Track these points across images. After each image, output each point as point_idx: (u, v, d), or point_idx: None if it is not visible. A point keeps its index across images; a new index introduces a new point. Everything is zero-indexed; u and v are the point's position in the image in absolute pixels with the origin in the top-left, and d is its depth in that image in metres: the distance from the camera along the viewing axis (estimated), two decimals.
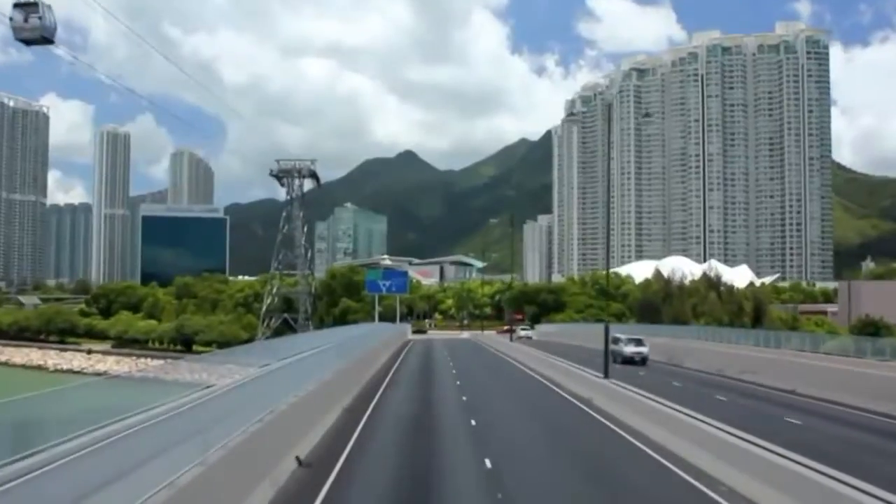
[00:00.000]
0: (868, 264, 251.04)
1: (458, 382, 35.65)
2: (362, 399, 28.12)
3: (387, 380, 36.39)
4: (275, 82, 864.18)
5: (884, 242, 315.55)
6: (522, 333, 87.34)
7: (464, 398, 28.88)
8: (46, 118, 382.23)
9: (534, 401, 29.32)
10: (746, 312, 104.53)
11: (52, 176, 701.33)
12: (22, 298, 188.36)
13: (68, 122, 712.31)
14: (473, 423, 22.45)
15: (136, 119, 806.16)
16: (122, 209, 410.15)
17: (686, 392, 31.12)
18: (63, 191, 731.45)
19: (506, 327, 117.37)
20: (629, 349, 46.25)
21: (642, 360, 45.76)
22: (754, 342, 45.33)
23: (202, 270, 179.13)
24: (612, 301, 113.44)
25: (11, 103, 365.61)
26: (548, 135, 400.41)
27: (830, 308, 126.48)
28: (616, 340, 45.29)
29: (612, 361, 32.38)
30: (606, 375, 28.76)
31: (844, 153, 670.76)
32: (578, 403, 27.26)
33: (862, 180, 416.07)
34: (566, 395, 29.92)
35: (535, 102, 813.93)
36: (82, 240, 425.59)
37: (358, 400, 27.67)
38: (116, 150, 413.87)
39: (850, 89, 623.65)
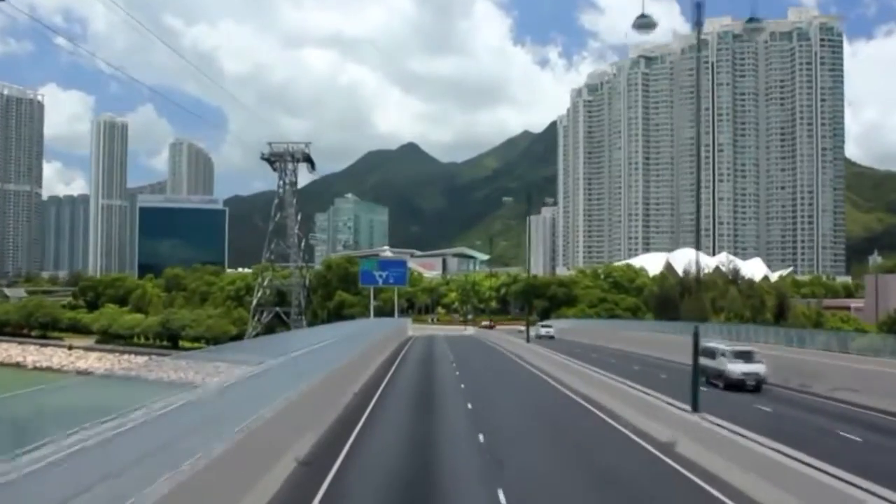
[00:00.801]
0: (875, 258, 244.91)
1: (470, 406, 27.03)
2: (332, 439, 19.78)
3: (373, 400, 28.29)
4: (276, 74, 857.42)
5: (889, 236, 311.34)
6: (543, 332, 74.37)
7: (480, 438, 20.34)
8: (41, 106, 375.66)
9: (586, 443, 20.59)
10: (768, 308, 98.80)
11: (54, 167, 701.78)
12: (7, 291, 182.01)
13: (69, 113, 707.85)
14: (502, 498, 14.21)
15: (137, 110, 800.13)
16: (120, 200, 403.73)
17: (788, 422, 23.10)
18: (64, 182, 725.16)
19: (485, 322, 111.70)
20: (736, 367, 32.59)
21: (757, 385, 32.27)
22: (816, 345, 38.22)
23: (201, 262, 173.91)
24: (626, 295, 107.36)
25: (6, 91, 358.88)
26: (550, 127, 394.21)
27: (854, 303, 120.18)
28: (711, 353, 33.36)
29: (701, 382, 22.66)
30: (696, 408, 19.79)
31: (849, 147, 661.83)
32: (655, 451, 18.68)
33: (867, 174, 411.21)
34: (632, 436, 20.95)
35: (537, 94, 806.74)
36: (81, 231, 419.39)
37: (325, 441, 19.42)
38: (114, 140, 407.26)
39: (854, 82, 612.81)
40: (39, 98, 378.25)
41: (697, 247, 25.63)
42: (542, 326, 79.35)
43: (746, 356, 33.50)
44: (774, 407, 27.50)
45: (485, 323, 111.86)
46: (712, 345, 34.48)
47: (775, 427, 20.24)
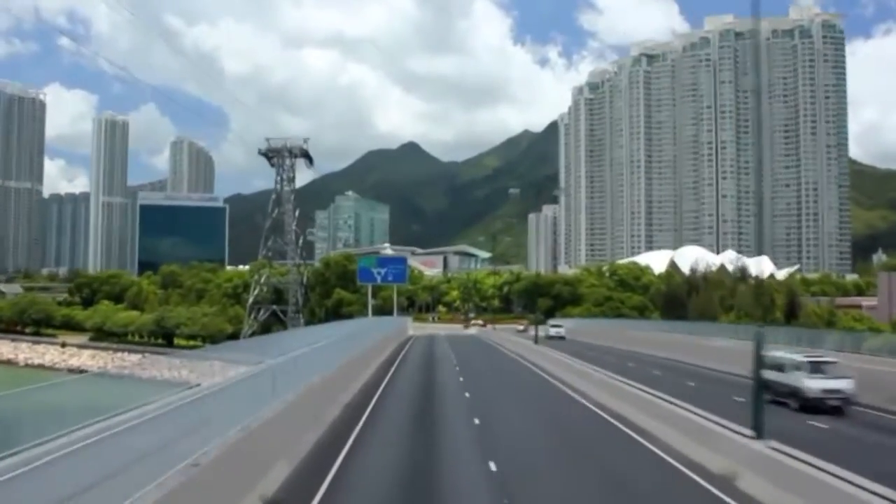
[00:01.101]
0: (880, 256, 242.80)
1: (477, 421, 23.34)
2: (311, 469, 16.11)
3: (368, 409, 25.31)
4: (276, 73, 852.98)
5: (893, 234, 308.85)
6: (553, 332, 69.25)
7: (491, 465, 16.83)
8: (43, 105, 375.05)
9: (623, 474, 16.93)
10: (778, 306, 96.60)
11: (57, 165, 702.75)
12: (3, 287, 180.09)
13: (73, 112, 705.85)
14: None
15: (139, 109, 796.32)
16: (121, 197, 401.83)
17: (851, 444, 20.02)
18: (67, 179, 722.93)
19: (478, 322, 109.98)
20: (814, 383, 25.84)
21: (841, 406, 25.63)
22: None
23: (200, 260, 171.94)
24: (632, 293, 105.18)
25: (8, 90, 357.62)
26: (551, 126, 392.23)
27: (865, 301, 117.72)
28: (778, 365, 26.66)
29: (765, 399, 17.98)
30: (760, 434, 15.98)
31: (850, 145, 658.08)
32: (710, 486, 15.04)
33: (869, 172, 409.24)
34: (678, 465, 17.16)
35: (537, 94, 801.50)
36: (82, 229, 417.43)
37: (302, 472, 15.79)
38: (115, 138, 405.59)
39: (853, 81, 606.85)
40: (41, 97, 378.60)
41: (760, 250, 22.46)
42: (553, 326, 73.79)
43: (826, 369, 26.88)
44: (830, 423, 23.53)
45: (478, 322, 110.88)
46: (780, 354, 28.04)
47: (837, 450, 17.13)
